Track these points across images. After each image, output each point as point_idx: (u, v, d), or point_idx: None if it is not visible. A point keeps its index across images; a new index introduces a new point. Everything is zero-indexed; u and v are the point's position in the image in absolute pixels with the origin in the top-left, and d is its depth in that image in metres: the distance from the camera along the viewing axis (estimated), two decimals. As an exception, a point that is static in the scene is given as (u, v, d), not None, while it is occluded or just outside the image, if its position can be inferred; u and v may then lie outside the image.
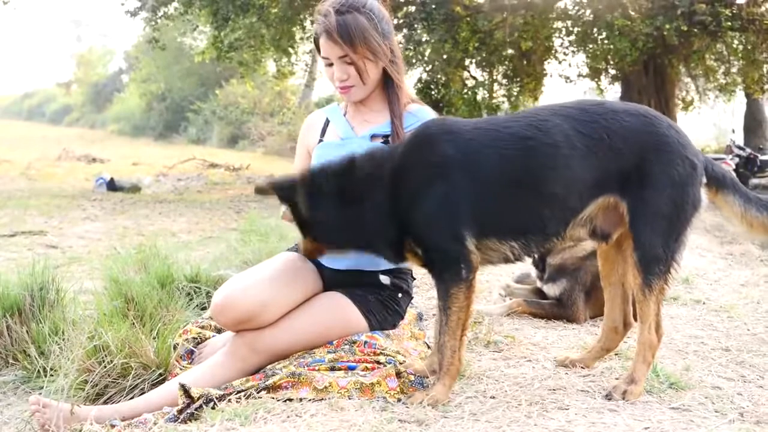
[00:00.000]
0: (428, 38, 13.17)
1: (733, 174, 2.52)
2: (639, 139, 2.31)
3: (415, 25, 13.46)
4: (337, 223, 2.41)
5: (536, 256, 3.65)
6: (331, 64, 2.70)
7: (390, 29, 2.73)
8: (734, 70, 15.95)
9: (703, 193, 2.37)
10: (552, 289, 3.62)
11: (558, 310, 3.59)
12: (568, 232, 2.37)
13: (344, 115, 2.93)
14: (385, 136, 2.76)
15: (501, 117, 2.47)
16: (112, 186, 13.53)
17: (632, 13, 12.83)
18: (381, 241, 2.41)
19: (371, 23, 2.63)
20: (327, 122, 2.96)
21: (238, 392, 2.36)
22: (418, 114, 2.79)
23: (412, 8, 14.00)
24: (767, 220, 2.41)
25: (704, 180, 2.37)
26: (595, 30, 14.01)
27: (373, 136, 2.78)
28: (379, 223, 2.36)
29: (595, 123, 2.30)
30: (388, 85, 2.79)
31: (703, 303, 3.99)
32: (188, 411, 2.29)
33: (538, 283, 3.76)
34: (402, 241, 2.37)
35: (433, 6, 13.09)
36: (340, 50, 2.63)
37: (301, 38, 16.06)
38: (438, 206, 2.28)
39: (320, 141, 2.90)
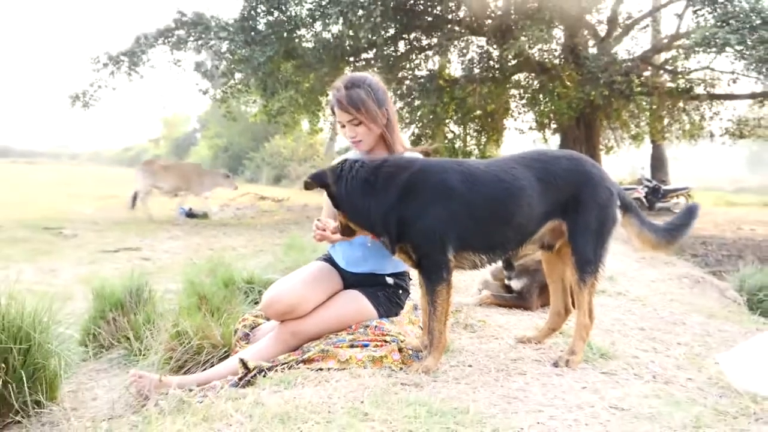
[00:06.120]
0: (423, 103, 13.22)
1: (635, 203, 2.51)
2: (573, 177, 2.31)
3: (413, 94, 13.52)
4: (357, 204, 2.30)
5: (504, 261, 3.64)
6: (344, 126, 2.67)
7: (385, 97, 2.68)
8: (643, 123, 16.00)
9: (618, 213, 2.37)
10: (516, 284, 3.59)
11: (517, 301, 3.56)
12: (523, 247, 2.38)
13: None
14: None
15: (482, 162, 2.37)
16: (189, 214, 13.54)
17: (568, 83, 12.90)
18: (383, 232, 2.30)
19: (369, 95, 2.60)
20: None
21: (282, 364, 2.35)
22: None
23: (411, 83, 14.09)
24: (653, 239, 2.42)
25: (619, 203, 2.37)
26: (540, 96, 14.09)
27: None
28: (384, 216, 2.26)
29: (546, 170, 2.30)
30: (387, 141, 2.72)
31: (624, 294, 3.97)
32: (246, 379, 2.29)
33: (506, 281, 3.73)
34: (400, 236, 2.27)
35: (427, 83, 13.19)
36: (348, 116, 2.60)
37: (326, 103, 16.13)
38: (436, 223, 2.23)
39: None
